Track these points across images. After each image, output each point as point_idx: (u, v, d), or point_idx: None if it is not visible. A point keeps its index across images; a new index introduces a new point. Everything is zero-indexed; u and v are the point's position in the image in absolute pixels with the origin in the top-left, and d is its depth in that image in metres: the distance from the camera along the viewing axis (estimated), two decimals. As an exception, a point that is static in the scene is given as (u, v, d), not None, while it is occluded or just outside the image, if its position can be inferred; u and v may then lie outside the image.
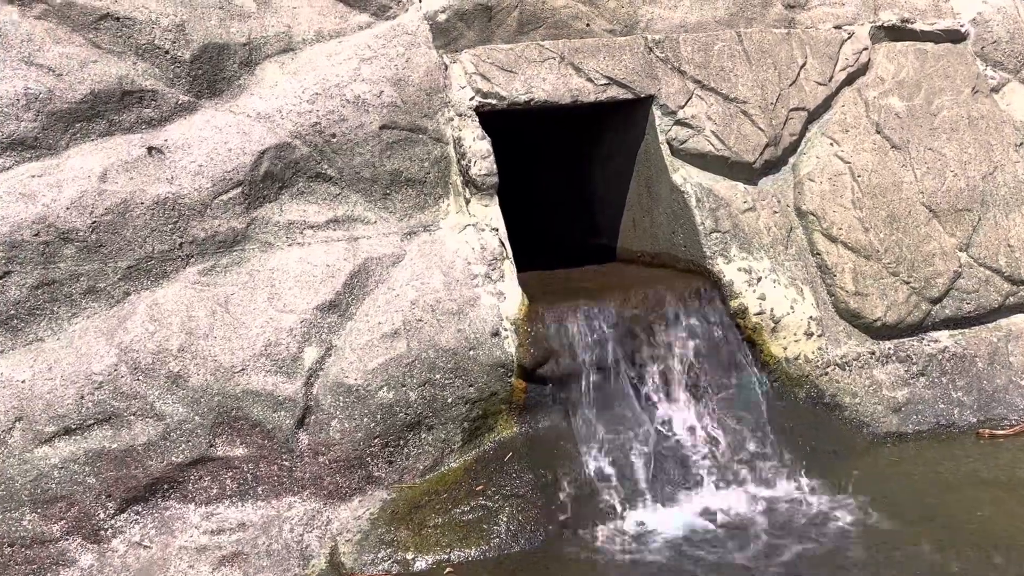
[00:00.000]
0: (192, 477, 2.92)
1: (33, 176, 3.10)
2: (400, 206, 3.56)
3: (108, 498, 2.83)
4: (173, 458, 2.88)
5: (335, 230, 3.44)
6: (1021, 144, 4.33)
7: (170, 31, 3.39)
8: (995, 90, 4.55)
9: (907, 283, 3.81)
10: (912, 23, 4.45)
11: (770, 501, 3.13)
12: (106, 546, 2.81)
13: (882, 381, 3.69)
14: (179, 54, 3.39)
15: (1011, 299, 3.94)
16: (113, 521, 2.84)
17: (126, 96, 3.30)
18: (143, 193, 3.16)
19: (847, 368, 3.69)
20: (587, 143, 4.44)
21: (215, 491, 2.93)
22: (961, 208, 4.02)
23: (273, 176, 3.37)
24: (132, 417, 2.88)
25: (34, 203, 3.03)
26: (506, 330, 3.28)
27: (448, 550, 2.89)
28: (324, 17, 3.76)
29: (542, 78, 3.74)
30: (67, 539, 2.78)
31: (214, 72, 3.46)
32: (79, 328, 3.02)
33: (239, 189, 3.29)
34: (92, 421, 2.85)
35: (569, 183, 4.76)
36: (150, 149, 3.27)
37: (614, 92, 3.82)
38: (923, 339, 3.81)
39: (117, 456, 2.85)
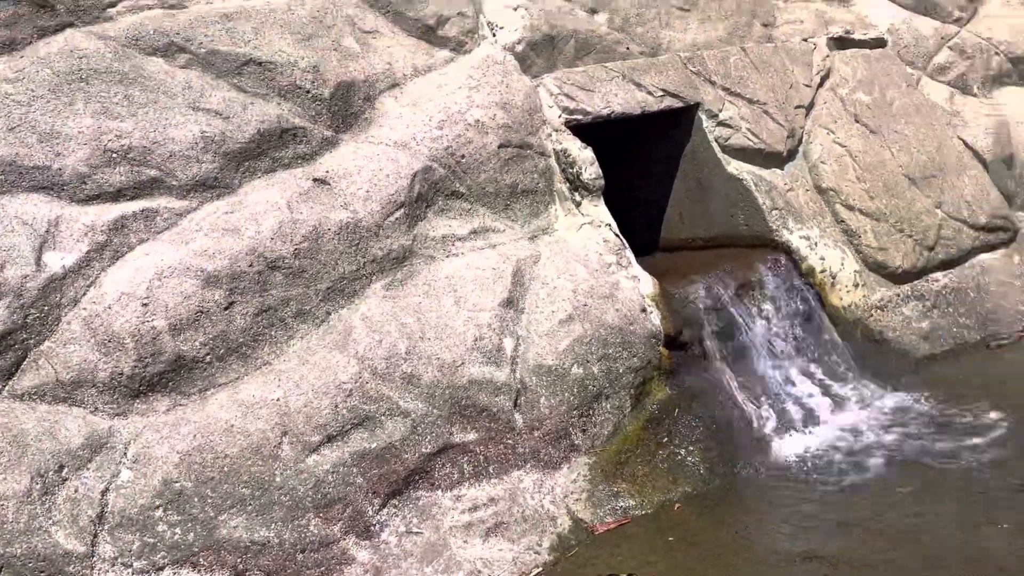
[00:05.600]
0: (437, 465, 3.19)
1: (227, 212, 3.26)
2: (520, 214, 3.98)
3: (374, 495, 3.05)
4: (423, 449, 3.15)
5: (475, 240, 3.81)
6: (948, 123, 5.43)
7: (308, 72, 3.65)
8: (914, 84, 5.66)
9: (911, 237, 4.72)
10: (853, 34, 5.46)
11: (880, 410, 3.87)
12: (378, 540, 3.02)
13: (910, 316, 4.55)
14: (319, 93, 3.65)
15: (978, 242, 4.97)
16: (379, 516, 3.05)
17: (284, 134, 3.52)
18: (328, 220, 3.40)
19: (884, 309, 4.52)
20: (628, 153, 5.04)
21: (456, 476, 3.22)
22: (928, 175, 5.01)
23: (422, 196, 3.70)
24: (383, 417, 3.12)
25: (241, 236, 3.20)
26: (649, 306, 3.80)
27: (665, 492, 3.35)
28: (414, 54, 4.13)
29: (614, 94, 4.32)
30: (346, 539, 2.97)
31: (346, 108, 3.75)
32: (300, 347, 3.21)
33: (402, 210, 3.60)
34: (349, 426, 3.07)
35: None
36: (316, 180, 3.51)
37: (670, 102, 4.47)
38: (928, 280, 4.73)
39: (378, 454, 3.07)
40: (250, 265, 3.17)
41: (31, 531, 2.57)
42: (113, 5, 3.52)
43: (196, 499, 2.80)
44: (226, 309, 3.10)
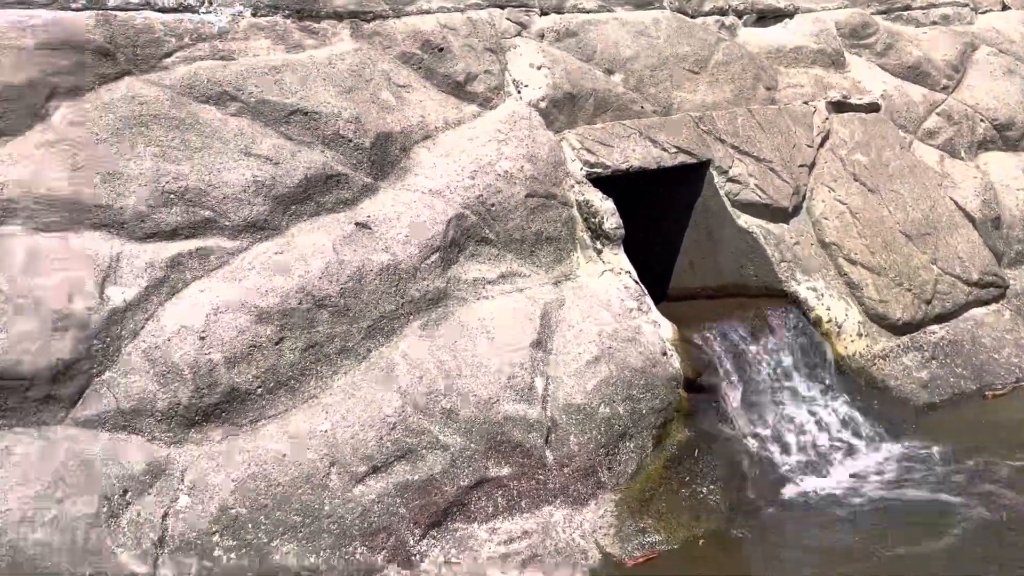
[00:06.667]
0: (473, 498, 3.31)
1: (277, 253, 3.43)
2: (544, 260, 4.17)
3: (415, 525, 3.16)
4: (461, 482, 3.28)
5: (504, 284, 3.99)
6: (940, 184, 5.73)
7: (351, 122, 3.86)
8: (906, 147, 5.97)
9: (909, 290, 4.96)
10: (850, 98, 5.78)
11: (885, 456, 4.06)
12: (418, 570, 3.13)
13: (910, 366, 4.76)
14: (361, 142, 3.86)
15: (971, 297, 5.22)
16: (419, 546, 3.16)
17: (328, 180, 3.71)
18: (370, 262, 3.57)
19: (886, 359, 4.73)
20: (642, 204, 5.27)
21: (491, 509, 3.34)
22: (924, 233, 5.28)
23: (455, 242, 3.89)
24: (424, 450, 3.25)
25: (290, 276, 3.36)
26: (669, 350, 3.98)
27: (689, 528, 3.49)
28: (445, 108, 4.36)
29: (632, 149, 4.56)
30: (388, 567, 3.07)
31: (384, 156, 3.95)
32: (344, 382, 3.35)
33: (438, 254, 3.78)
34: (393, 458, 3.19)
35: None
36: (358, 224, 3.69)
37: (683, 158, 4.72)
38: (926, 332, 4.96)
39: (420, 486, 3.20)
40: (299, 303, 3.33)
41: (99, 552, 2.67)
42: (169, 55, 3.72)
43: (251, 525, 2.90)
44: (277, 344, 3.25)
